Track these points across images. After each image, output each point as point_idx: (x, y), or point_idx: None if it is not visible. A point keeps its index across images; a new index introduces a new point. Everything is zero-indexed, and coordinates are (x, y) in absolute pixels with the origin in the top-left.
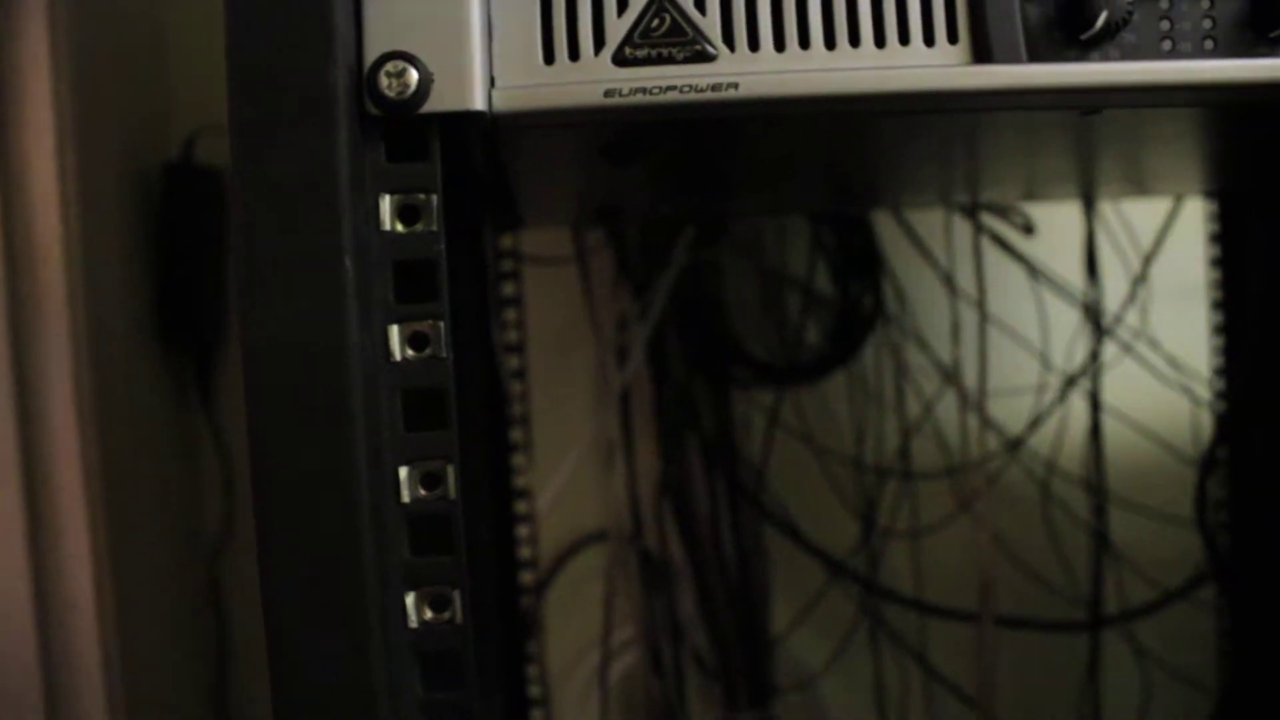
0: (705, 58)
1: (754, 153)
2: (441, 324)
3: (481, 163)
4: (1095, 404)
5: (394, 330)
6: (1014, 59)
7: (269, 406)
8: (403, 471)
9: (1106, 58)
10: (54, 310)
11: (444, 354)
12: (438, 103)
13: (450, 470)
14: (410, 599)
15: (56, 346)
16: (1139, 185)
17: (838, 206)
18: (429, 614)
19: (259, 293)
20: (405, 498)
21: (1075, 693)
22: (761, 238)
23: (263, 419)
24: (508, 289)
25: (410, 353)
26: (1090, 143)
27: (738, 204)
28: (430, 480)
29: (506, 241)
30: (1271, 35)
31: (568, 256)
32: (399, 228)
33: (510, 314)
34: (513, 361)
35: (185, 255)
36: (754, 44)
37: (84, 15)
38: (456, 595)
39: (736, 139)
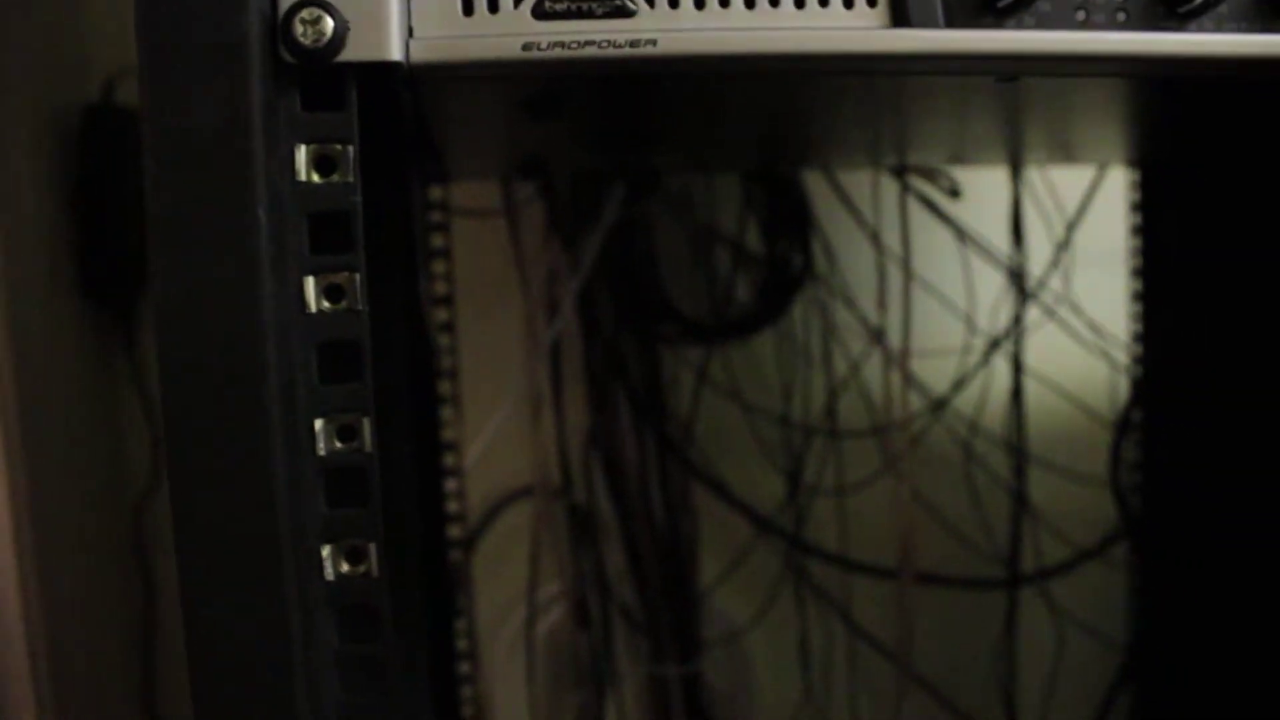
0: (625, 13)
1: (678, 109)
2: (357, 276)
3: (406, 113)
4: (1017, 366)
5: (309, 282)
6: (931, 24)
7: (181, 359)
8: (318, 424)
9: (1021, 26)
10: None
11: (360, 306)
12: (354, 52)
13: (366, 423)
14: (326, 551)
15: None
16: (1063, 152)
17: (767, 164)
18: (345, 567)
19: (170, 244)
20: (321, 450)
21: (992, 648)
22: (692, 194)
23: (175, 372)
24: (436, 241)
25: (326, 305)
26: (1014, 109)
27: (666, 159)
28: (346, 433)
29: (435, 193)
30: (1180, 10)
31: (497, 209)
32: (314, 178)
33: (439, 266)
34: (441, 314)
35: (107, 201)
36: (674, 0)
37: None
38: (373, 548)
39: (659, 96)
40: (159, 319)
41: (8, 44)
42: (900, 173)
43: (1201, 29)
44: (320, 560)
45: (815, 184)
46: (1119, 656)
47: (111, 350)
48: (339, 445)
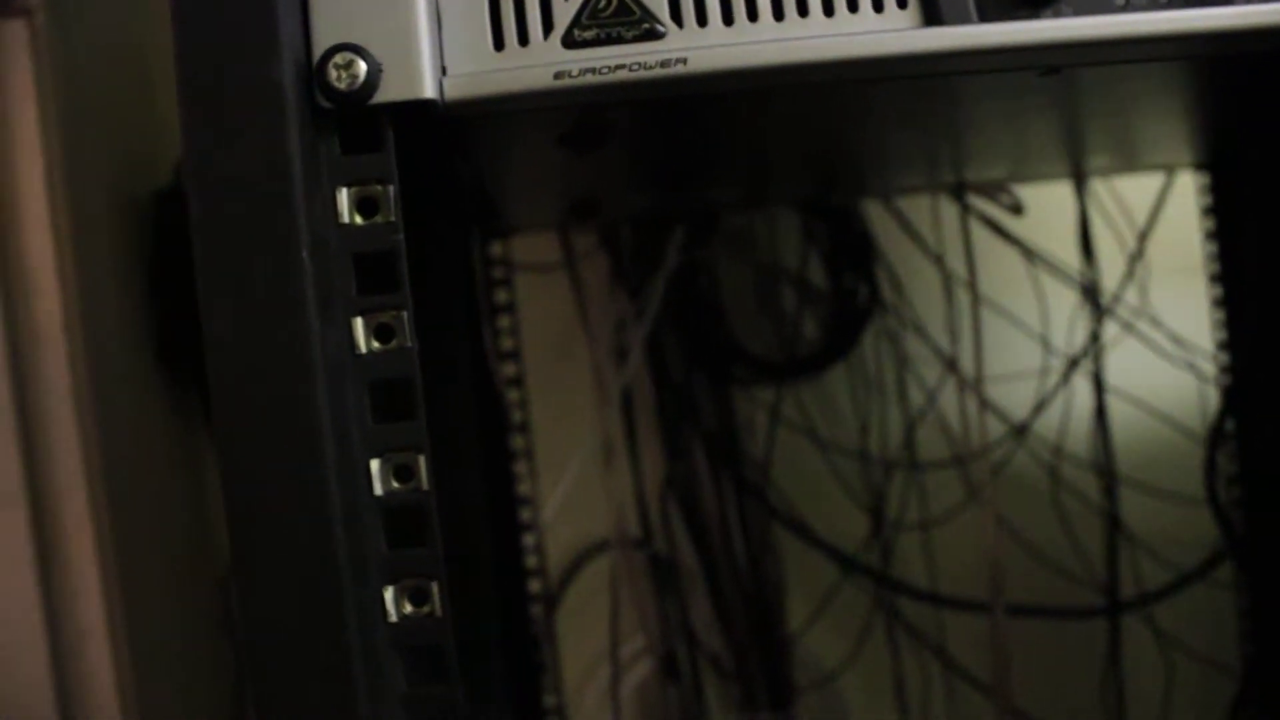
0: (654, 36)
1: (721, 135)
2: (405, 314)
3: (451, 154)
4: (1099, 385)
5: (358, 322)
6: (964, 20)
7: (234, 406)
8: (374, 464)
9: (1059, 14)
10: (52, 340)
11: (409, 344)
12: (388, 93)
13: (422, 461)
14: (389, 593)
15: (56, 375)
16: (1126, 157)
17: (823, 193)
18: (409, 608)
19: (217, 291)
20: (378, 490)
21: (1097, 679)
22: (753, 233)
23: (229, 418)
24: (501, 296)
25: (376, 344)
26: (1066, 109)
27: (719, 194)
28: (403, 472)
29: (497, 249)
30: None
31: (559, 262)
32: (358, 220)
33: (504, 321)
34: (509, 369)
35: (181, 278)
36: (702, 19)
37: (69, 46)
38: (435, 587)
39: (698, 120)
40: (211, 367)
41: (86, 136)
42: (959, 192)
43: None
44: (383, 602)
45: (875, 213)
46: (1234, 682)
47: (193, 419)
48: (396, 485)
